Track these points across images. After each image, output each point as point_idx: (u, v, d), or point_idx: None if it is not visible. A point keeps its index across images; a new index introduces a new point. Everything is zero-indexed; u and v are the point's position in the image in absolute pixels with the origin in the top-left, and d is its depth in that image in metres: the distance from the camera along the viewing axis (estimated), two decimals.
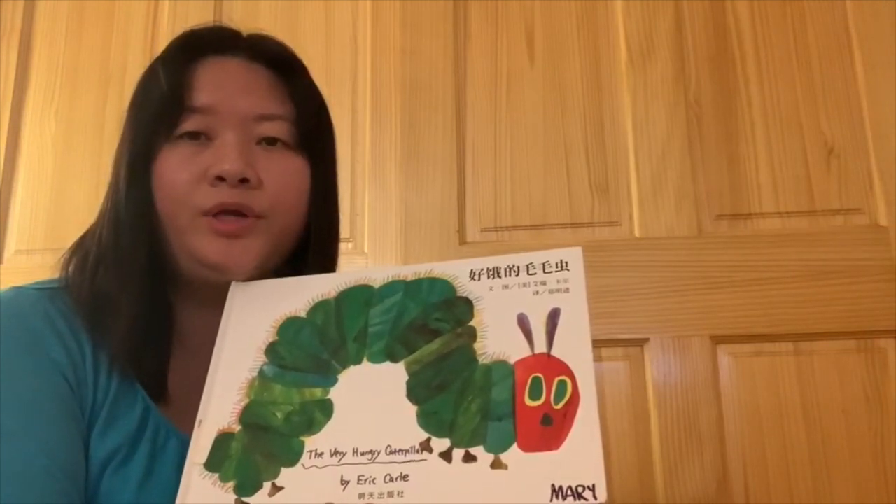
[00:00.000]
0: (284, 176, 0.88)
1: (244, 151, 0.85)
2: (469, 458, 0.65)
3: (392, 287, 0.80)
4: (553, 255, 0.76)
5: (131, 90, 0.93)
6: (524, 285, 0.75)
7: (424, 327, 0.76)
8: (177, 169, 0.85)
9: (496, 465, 0.64)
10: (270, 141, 0.89)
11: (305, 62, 0.96)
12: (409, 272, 0.81)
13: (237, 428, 0.74)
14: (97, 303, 0.85)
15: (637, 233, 1.55)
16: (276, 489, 0.68)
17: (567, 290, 0.74)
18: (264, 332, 0.80)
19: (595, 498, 0.61)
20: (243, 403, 0.75)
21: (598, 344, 1.46)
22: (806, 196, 1.53)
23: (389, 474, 0.66)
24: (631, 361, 1.49)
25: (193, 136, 0.86)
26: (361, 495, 0.65)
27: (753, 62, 1.60)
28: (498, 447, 0.65)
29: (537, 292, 0.74)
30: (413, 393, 0.71)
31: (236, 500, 0.69)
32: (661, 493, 1.43)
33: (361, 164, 1.66)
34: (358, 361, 0.75)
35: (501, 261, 0.78)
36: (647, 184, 1.57)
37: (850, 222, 1.51)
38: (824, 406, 1.43)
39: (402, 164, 1.65)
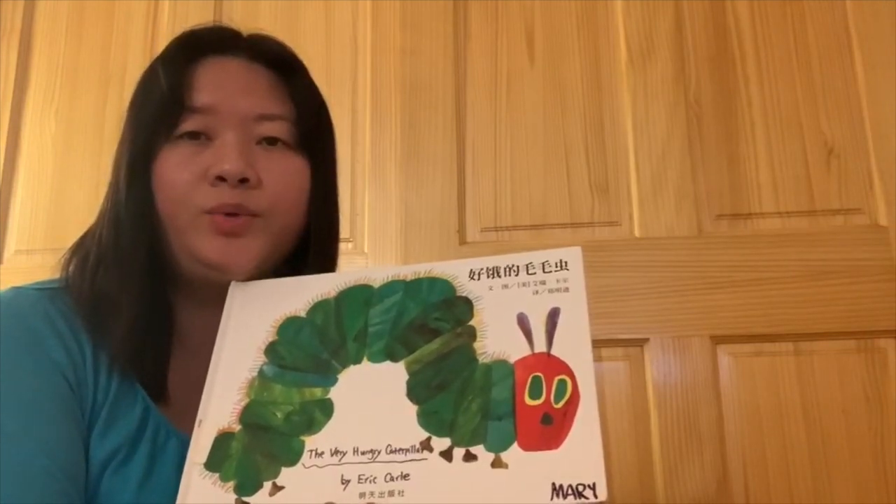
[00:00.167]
0: (284, 176, 0.88)
1: (244, 151, 0.85)
2: (469, 457, 0.65)
3: (392, 287, 0.80)
4: (552, 255, 0.76)
5: (131, 90, 0.93)
6: (524, 285, 0.76)
7: (424, 327, 0.76)
8: (177, 169, 0.85)
9: (497, 464, 0.64)
10: (270, 141, 0.89)
11: (305, 62, 0.96)
12: (409, 272, 0.81)
13: (237, 428, 0.74)
14: (97, 303, 0.85)
15: (637, 233, 1.55)
16: (277, 489, 0.68)
17: (567, 290, 0.74)
18: (264, 332, 0.80)
19: (595, 497, 0.61)
20: (243, 403, 0.75)
21: (598, 344, 1.46)
22: (806, 196, 1.53)
23: (390, 473, 0.66)
24: (631, 361, 1.49)
25: (193, 136, 0.86)
26: (362, 494, 0.65)
27: (753, 62, 1.60)
28: (498, 446, 0.65)
29: (537, 292, 0.75)
30: (413, 392, 0.71)
31: (237, 499, 0.69)
32: (661, 493, 1.43)
33: (361, 164, 1.66)
34: (358, 361, 0.75)
35: (501, 260, 0.78)
36: (647, 184, 1.57)
37: (850, 222, 1.51)
38: (824, 406, 1.43)
39: (402, 164, 1.65)
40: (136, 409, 0.84)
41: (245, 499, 0.68)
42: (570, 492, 0.61)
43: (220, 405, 0.75)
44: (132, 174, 0.86)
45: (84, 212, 1.52)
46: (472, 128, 1.65)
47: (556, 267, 0.76)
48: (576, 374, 0.68)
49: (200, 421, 0.75)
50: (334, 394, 0.73)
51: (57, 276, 0.90)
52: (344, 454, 0.69)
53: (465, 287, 0.77)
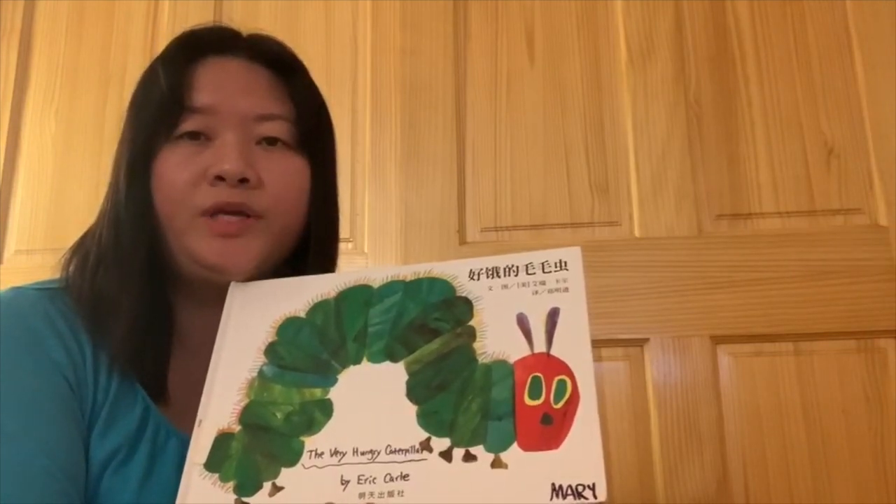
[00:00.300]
0: (285, 176, 0.88)
1: (244, 151, 0.85)
2: (469, 457, 0.65)
3: (391, 287, 0.80)
4: (552, 255, 0.76)
5: (131, 90, 0.93)
6: (523, 285, 0.76)
7: (424, 327, 0.76)
8: (176, 169, 0.85)
9: (496, 464, 0.64)
10: (270, 141, 0.89)
11: (305, 62, 0.96)
12: (409, 272, 0.81)
13: (237, 428, 0.74)
14: (97, 303, 0.85)
15: (637, 233, 1.55)
16: (277, 489, 0.68)
17: (566, 290, 0.74)
18: (264, 333, 0.80)
19: (595, 497, 0.61)
20: (243, 403, 0.75)
21: (598, 344, 1.47)
22: (806, 196, 1.53)
23: (389, 474, 0.66)
24: (631, 361, 1.49)
25: (193, 136, 0.86)
26: (362, 495, 0.65)
27: (753, 62, 1.60)
28: (498, 446, 0.65)
29: (537, 292, 0.75)
30: (413, 393, 0.71)
31: (236, 500, 0.69)
32: (661, 493, 1.43)
33: (361, 164, 1.66)
34: (357, 361, 0.75)
35: (501, 260, 0.78)
36: (647, 184, 1.57)
37: (850, 222, 1.51)
38: (824, 406, 1.43)
39: (402, 164, 1.65)
40: (136, 409, 0.84)
41: (245, 499, 0.68)
42: (569, 492, 0.61)
43: (220, 405, 0.75)
44: (132, 174, 0.86)
45: (84, 212, 1.52)
46: (472, 128, 1.65)
47: (556, 267, 0.76)
48: (575, 374, 0.68)
49: (200, 421, 0.75)
50: (334, 394, 0.73)
51: (57, 276, 0.89)
52: (343, 454, 0.69)
53: (465, 287, 0.77)
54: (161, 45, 1.00)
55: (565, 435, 0.64)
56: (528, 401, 0.67)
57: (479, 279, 0.77)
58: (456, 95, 1.67)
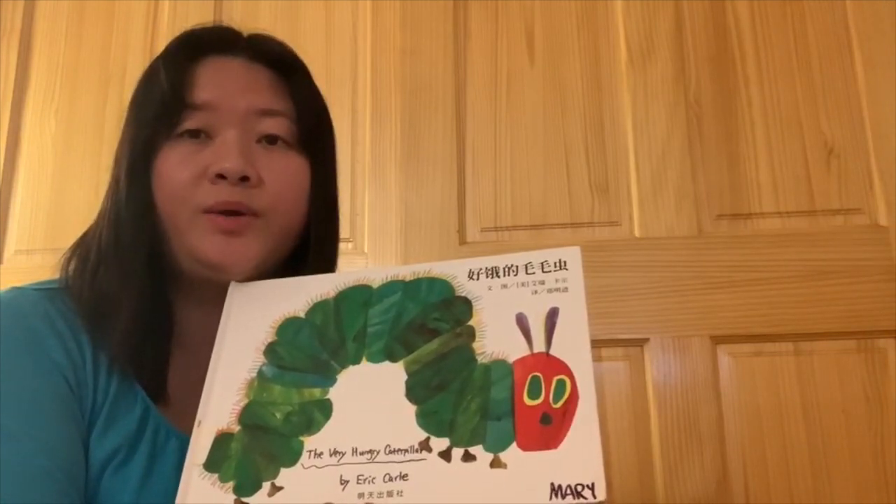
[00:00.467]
0: (285, 175, 0.88)
1: (245, 150, 0.85)
2: (468, 457, 0.65)
3: (391, 287, 0.80)
4: (551, 255, 0.76)
5: (131, 90, 0.93)
6: (523, 285, 0.75)
7: (423, 327, 0.76)
8: (177, 167, 0.85)
9: (495, 464, 0.64)
10: (271, 140, 0.89)
11: (305, 62, 0.96)
12: (408, 272, 0.80)
13: (236, 428, 0.74)
14: (97, 302, 0.85)
15: (637, 233, 1.55)
16: (276, 489, 0.68)
17: (566, 290, 0.74)
18: (263, 333, 0.80)
19: (594, 496, 0.60)
20: (242, 404, 0.75)
21: (598, 344, 1.47)
22: (806, 196, 1.53)
23: (389, 474, 0.66)
24: (631, 361, 1.49)
25: (194, 134, 0.86)
26: (361, 495, 0.65)
27: (753, 62, 1.60)
28: (497, 446, 0.65)
29: (536, 291, 0.74)
30: (412, 392, 0.71)
31: (236, 500, 0.69)
32: (661, 493, 1.43)
33: (361, 164, 1.67)
34: (357, 361, 0.75)
35: (500, 260, 0.78)
36: (647, 184, 1.57)
37: (850, 222, 1.51)
38: (824, 406, 1.43)
39: (402, 164, 1.65)
40: (135, 410, 0.84)
41: (244, 499, 0.68)
42: (568, 492, 0.61)
43: (220, 406, 0.75)
44: (132, 172, 0.86)
45: (84, 212, 1.52)
46: (472, 128, 1.65)
47: (555, 267, 0.76)
48: (575, 373, 0.68)
49: (200, 421, 0.75)
50: (333, 394, 0.73)
51: (57, 276, 0.89)
52: (343, 454, 0.69)
53: (465, 287, 0.77)
54: (161, 45, 1.00)
55: (564, 435, 0.64)
56: (527, 400, 0.67)
57: (478, 279, 0.77)
58: (456, 95, 1.67)
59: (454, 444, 0.66)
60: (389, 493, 0.65)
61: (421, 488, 0.65)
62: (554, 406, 0.66)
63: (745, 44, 1.61)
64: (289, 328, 0.80)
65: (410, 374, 0.73)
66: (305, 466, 0.69)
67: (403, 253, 1.60)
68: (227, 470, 0.71)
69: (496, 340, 0.72)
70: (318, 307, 0.80)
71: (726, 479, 1.42)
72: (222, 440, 0.73)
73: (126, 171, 0.87)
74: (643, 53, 1.62)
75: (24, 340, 0.80)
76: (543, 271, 0.76)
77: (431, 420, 0.69)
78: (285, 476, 0.69)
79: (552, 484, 0.62)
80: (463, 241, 1.60)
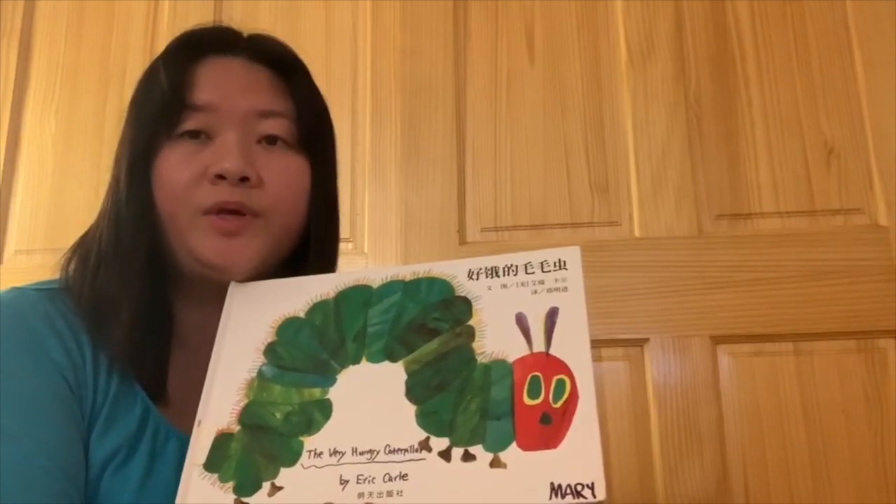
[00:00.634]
0: (285, 175, 0.88)
1: (244, 150, 0.85)
2: (468, 457, 0.65)
3: (391, 287, 0.80)
4: (551, 255, 0.76)
5: (131, 90, 0.93)
6: (522, 284, 0.75)
7: (423, 327, 0.76)
8: (177, 168, 0.85)
9: (495, 463, 0.64)
10: (271, 140, 0.89)
11: (305, 62, 0.96)
12: (408, 272, 0.81)
13: (236, 428, 0.74)
14: (98, 302, 0.85)
15: (637, 233, 1.55)
16: (276, 489, 0.68)
17: (565, 289, 0.74)
18: (263, 333, 0.80)
19: (594, 496, 0.60)
20: (242, 404, 0.75)
21: (598, 344, 1.47)
22: (806, 196, 1.53)
23: (388, 474, 0.66)
24: (631, 361, 1.49)
25: (194, 134, 0.86)
26: (360, 495, 0.65)
27: (753, 62, 1.60)
28: (497, 446, 0.65)
29: (536, 291, 0.74)
30: (412, 392, 0.71)
31: (235, 500, 0.69)
32: (661, 493, 1.42)
33: (361, 164, 1.67)
34: (357, 361, 0.75)
35: (500, 260, 0.78)
36: (647, 184, 1.57)
37: (850, 222, 1.51)
38: (824, 406, 1.43)
39: (402, 164, 1.65)
40: (135, 410, 0.84)
41: (244, 499, 0.68)
42: (568, 491, 0.61)
43: (220, 406, 0.75)
44: (132, 173, 0.86)
45: (84, 212, 1.52)
46: (472, 128, 1.65)
47: (555, 266, 0.76)
48: (574, 373, 0.68)
49: (199, 421, 0.75)
50: (333, 394, 0.73)
51: (57, 276, 0.89)
52: (343, 454, 0.69)
53: (464, 287, 0.77)
54: (161, 45, 1.00)
55: (564, 434, 0.64)
56: (527, 400, 0.67)
57: (478, 279, 0.77)
58: (456, 95, 1.67)
59: (454, 443, 0.66)
60: (389, 493, 0.65)
61: (421, 488, 0.65)
62: (554, 406, 0.66)
63: (745, 44, 1.61)
64: (289, 328, 0.80)
65: (410, 373, 0.73)
66: (305, 466, 0.69)
67: (403, 253, 1.60)
68: (226, 470, 0.71)
69: (496, 340, 0.72)
70: (318, 307, 0.80)
71: (726, 479, 1.42)
72: (222, 440, 0.73)
73: (126, 171, 0.87)
74: (643, 53, 1.62)
75: (24, 340, 0.80)
76: (543, 271, 0.76)
77: (431, 420, 0.69)
78: (285, 476, 0.69)
79: (552, 484, 0.62)
80: (463, 241, 1.60)
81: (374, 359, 0.75)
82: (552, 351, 0.70)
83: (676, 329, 1.49)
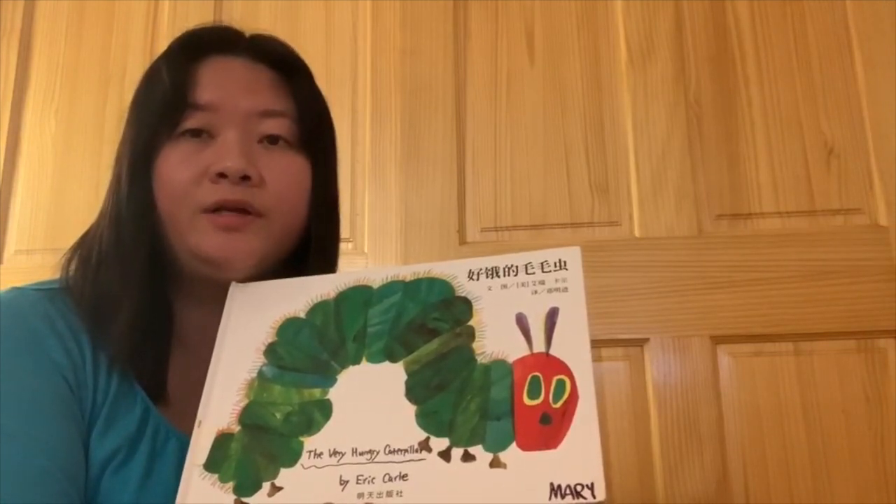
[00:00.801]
0: (286, 175, 0.88)
1: (246, 149, 0.85)
2: (468, 457, 0.65)
3: (391, 287, 0.80)
4: (551, 255, 0.76)
5: (131, 90, 0.93)
6: (523, 285, 0.75)
7: (423, 327, 0.76)
8: (178, 167, 0.85)
9: (495, 464, 0.64)
10: (272, 140, 0.89)
11: (305, 62, 0.96)
12: (408, 272, 0.80)
13: (236, 428, 0.74)
14: (98, 302, 0.85)
15: (637, 233, 1.55)
16: (276, 489, 0.68)
17: (565, 290, 0.74)
18: (263, 333, 0.80)
19: (594, 496, 0.60)
20: (243, 404, 0.75)
21: (598, 344, 1.47)
22: (806, 196, 1.53)
23: (388, 474, 0.66)
24: (631, 361, 1.49)
25: (195, 133, 0.86)
26: (360, 495, 0.65)
27: (753, 62, 1.60)
28: (497, 446, 0.65)
29: (536, 291, 0.74)
30: (412, 393, 0.71)
31: (235, 500, 0.69)
32: (661, 493, 1.43)
33: (361, 164, 1.67)
34: (357, 361, 0.75)
35: (500, 260, 0.78)
36: (647, 184, 1.57)
37: (850, 222, 1.51)
38: (824, 406, 1.43)
39: (402, 164, 1.65)
40: (135, 410, 0.84)
41: (244, 499, 0.68)
42: (568, 492, 0.61)
43: (220, 406, 0.75)
44: (134, 172, 0.86)
45: (84, 212, 1.52)
46: (472, 128, 1.65)
47: (555, 267, 0.76)
48: (574, 373, 0.68)
49: (200, 422, 0.75)
50: (333, 394, 0.73)
51: (57, 275, 0.89)
52: (342, 455, 0.69)
53: (464, 287, 0.77)
54: (161, 45, 1.00)
55: (564, 434, 0.64)
56: (526, 400, 0.67)
57: (478, 279, 0.77)
58: (456, 95, 1.67)
59: (454, 444, 0.66)
60: (389, 494, 0.65)
61: (420, 488, 0.65)
62: (553, 406, 0.66)
63: (745, 44, 1.61)
64: (289, 328, 0.80)
65: (410, 374, 0.73)
66: (305, 466, 0.69)
67: (403, 253, 1.60)
68: (226, 470, 0.71)
69: (496, 340, 0.72)
70: (319, 307, 0.80)
71: (726, 479, 1.42)
72: (222, 440, 0.73)
73: (127, 170, 0.87)
74: (643, 53, 1.62)
75: (24, 340, 0.80)
76: (543, 271, 0.76)
77: (431, 420, 0.69)
78: (285, 476, 0.69)
79: (552, 484, 0.62)
80: (463, 241, 1.60)
81: (374, 359, 0.75)
82: (552, 351, 0.70)
83: (676, 329, 1.49)
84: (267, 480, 0.69)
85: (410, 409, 0.70)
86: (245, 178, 0.84)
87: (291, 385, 0.75)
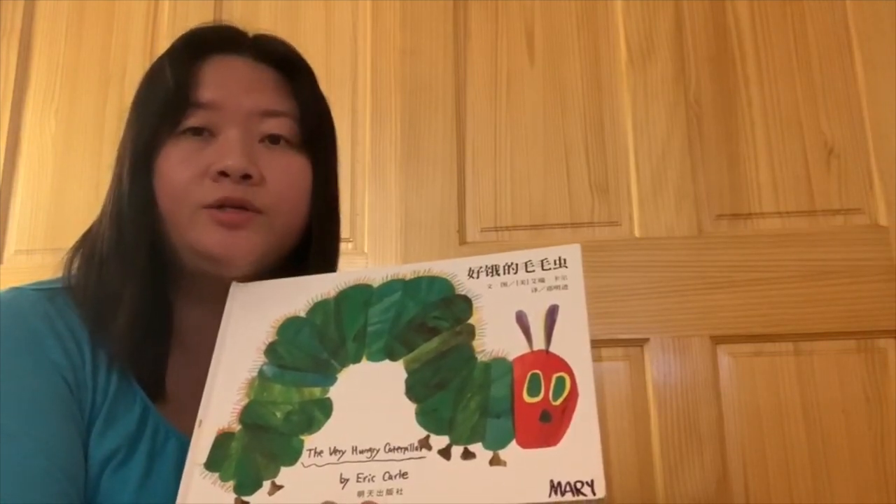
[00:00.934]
0: (287, 174, 0.88)
1: (247, 148, 0.85)
2: (468, 454, 0.65)
3: (391, 286, 0.80)
4: (551, 253, 0.77)
5: (131, 90, 0.93)
6: (523, 283, 0.76)
7: (423, 326, 0.76)
8: (179, 165, 0.85)
9: (495, 461, 0.64)
10: (273, 139, 0.89)
11: (308, 63, 0.96)
12: (408, 271, 0.81)
13: (237, 427, 0.74)
14: (100, 300, 0.85)
15: (637, 233, 1.55)
16: (276, 488, 0.69)
17: (565, 287, 0.74)
18: (264, 333, 0.80)
19: (594, 493, 0.61)
20: (243, 403, 0.75)
21: (597, 344, 1.47)
22: (806, 196, 1.53)
23: (388, 472, 0.66)
24: (631, 361, 1.49)
25: (197, 131, 0.86)
26: (360, 493, 0.66)
27: (753, 62, 1.60)
28: (497, 444, 0.65)
29: (536, 289, 0.75)
30: (412, 391, 0.71)
31: (236, 499, 0.69)
32: (661, 493, 1.42)
33: (361, 164, 1.66)
34: (357, 360, 0.75)
35: (500, 258, 0.78)
36: (647, 184, 1.57)
37: (850, 222, 1.51)
38: (824, 406, 1.42)
39: (402, 164, 1.65)
40: (134, 409, 0.84)
41: (244, 498, 0.69)
42: (568, 489, 0.61)
43: (220, 406, 0.76)
44: (135, 170, 0.86)
45: (84, 212, 1.52)
46: (472, 128, 1.65)
47: (555, 264, 0.76)
48: (574, 371, 0.68)
49: (200, 421, 0.75)
50: (333, 393, 0.74)
51: (57, 275, 0.89)
52: (343, 453, 0.69)
53: (465, 285, 0.77)
54: (161, 45, 1.00)
55: (564, 431, 0.64)
56: (526, 398, 0.67)
57: (478, 277, 0.77)
58: (456, 95, 1.67)
59: (454, 441, 0.67)
60: (389, 491, 0.65)
61: (420, 486, 0.65)
62: (553, 403, 0.66)
63: (745, 44, 1.61)
64: (289, 328, 0.80)
65: (410, 372, 0.73)
66: (305, 465, 0.69)
67: (403, 253, 1.60)
68: (227, 469, 0.71)
69: (496, 338, 0.72)
70: (319, 307, 0.81)
71: (726, 479, 1.42)
72: (223, 440, 0.73)
73: (128, 168, 0.87)
74: (643, 53, 1.62)
75: (23, 341, 0.80)
76: (543, 269, 0.76)
77: (431, 418, 0.69)
78: (285, 475, 0.69)
79: (552, 481, 0.62)
80: (463, 241, 1.60)
81: (374, 358, 0.75)
82: (552, 349, 0.70)
83: (676, 329, 1.49)
84: (267, 479, 0.69)
85: (410, 408, 0.70)
86: (246, 176, 0.84)
87: (292, 384, 0.75)
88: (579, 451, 0.63)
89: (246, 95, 0.88)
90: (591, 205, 1.58)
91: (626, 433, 1.46)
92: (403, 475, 0.66)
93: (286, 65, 0.93)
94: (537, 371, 0.69)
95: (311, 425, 0.72)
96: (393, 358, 0.74)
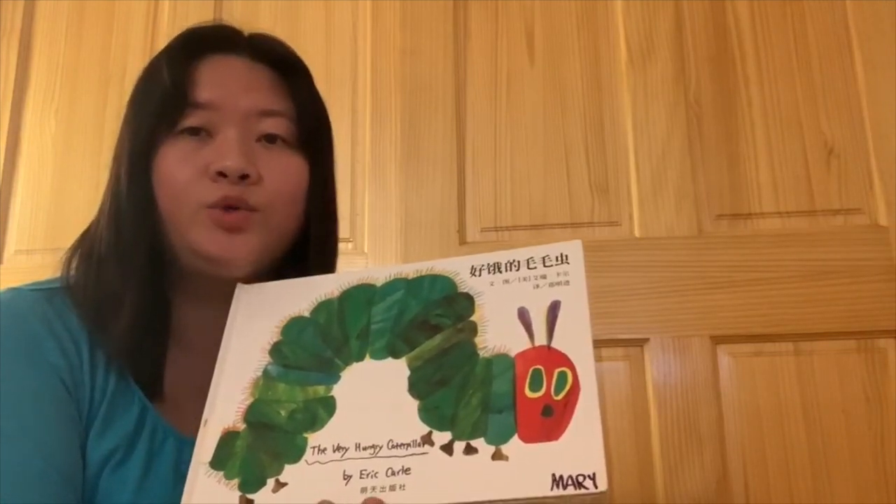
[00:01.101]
0: (284, 174, 0.89)
1: (245, 148, 0.85)
2: (470, 450, 0.66)
3: (394, 285, 0.80)
4: (553, 249, 0.77)
5: (131, 90, 0.93)
6: (524, 279, 0.76)
7: (426, 323, 0.76)
8: (177, 165, 0.85)
9: (497, 456, 0.65)
10: (270, 139, 0.89)
11: (305, 62, 0.96)
12: (411, 270, 0.81)
13: (242, 426, 0.74)
14: (99, 300, 0.85)
15: (637, 233, 1.55)
16: (280, 485, 0.69)
17: (567, 283, 0.74)
18: (269, 333, 0.80)
19: (595, 487, 0.61)
20: (248, 403, 0.76)
21: (598, 344, 1.43)
22: (806, 196, 1.53)
23: (391, 468, 0.66)
24: (631, 361, 1.49)
25: (194, 131, 0.86)
26: (364, 489, 0.66)
27: (753, 62, 1.60)
28: (499, 439, 0.65)
29: (538, 286, 0.75)
30: (415, 388, 0.72)
31: (241, 496, 0.69)
32: (661, 493, 1.43)
33: (361, 164, 1.67)
34: (360, 358, 0.76)
35: (502, 256, 0.78)
36: (647, 184, 1.57)
37: (850, 222, 1.51)
38: (824, 406, 1.43)
39: (402, 164, 1.65)
40: (133, 410, 0.84)
41: (249, 496, 0.69)
42: (570, 482, 0.61)
43: (225, 405, 0.76)
44: (133, 170, 0.86)
45: (84, 212, 1.51)
46: (472, 128, 1.65)
47: (557, 261, 0.76)
48: (576, 365, 0.68)
49: (206, 421, 0.75)
50: (337, 391, 0.74)
51: (56, 275, 0.89)
52: (346, 450, 0.69)
53: (467, 283, 0.78)
54: (161, 45, 1.00)
55: (566, 426, 0.65)
56: (528, 393, 0.68)
57: (480, 275, 0.78)
58: (456, 95, 1.67)
59: (456, 437, 0.67)
60: (392, 487, 0.65)
61: (423, 481, 0.65)
62: (555, 398, 0.66)
63: (745, 44, 1.61)
64: (293, 328, 0.80)
65: (413, 369, 0.73)
66: (309, 462, 0.69)
67: (403, 253, 1.60)
68: (232, 467, 0.71)
69: (498, 335, 0.72)
70: (323, 306, 0.81)
71: (726, 479, 1.42)
72: (228, 438, 0.74)
73: (126, 168, 0.87)
74: (643, 53, 1.63)
75: (22, 343, 0.80)
76: (545, 265, 0.76)
77: (433, 414, 0.69)
78: (289, 472, 0.69)
79: (553, 475, 0.62)
80: (463, 241, 1.60)
81: (377, 356, 0.75)
82: (554, 344, 0.70)
83: (676, 329, 1.49)
84: (271, 477, 0.69)
85: (413, 405, 0.70)
86: (244, 176, 0.84)
87: (296, 383, 0.76)
88: (581, 445, 0.63)
89: (243, 95, 0.88)
90: (591, 205, 1.59)
91: (626, 433, 1.46)
92: (406, 471, 0.66)
93: (283, 65, 0.93)
94: (539, 366, 0.69)
95: (315, 423, 0.72)
96: (396, 356, 0.74)
